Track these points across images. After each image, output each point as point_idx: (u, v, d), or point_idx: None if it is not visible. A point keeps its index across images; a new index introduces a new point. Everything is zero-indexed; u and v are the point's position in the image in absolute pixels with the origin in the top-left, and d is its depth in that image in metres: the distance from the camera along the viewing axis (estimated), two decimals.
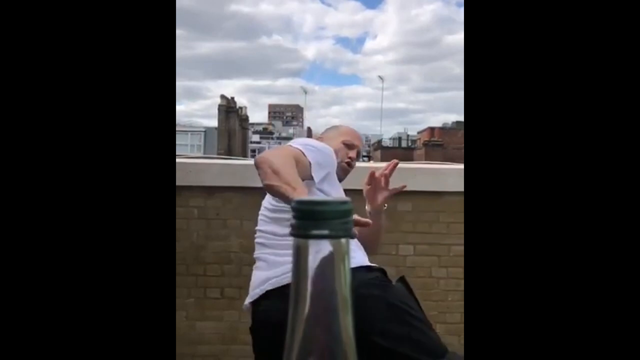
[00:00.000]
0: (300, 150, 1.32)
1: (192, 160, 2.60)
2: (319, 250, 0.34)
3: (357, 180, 1.60)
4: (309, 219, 0.33)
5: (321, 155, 1.38)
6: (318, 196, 1.34)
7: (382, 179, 1.46)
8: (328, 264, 0.34)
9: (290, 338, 0.34)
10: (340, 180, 1.55)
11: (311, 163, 1.31)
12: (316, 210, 0.33)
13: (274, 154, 1.29)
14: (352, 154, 1.58)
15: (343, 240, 0.34)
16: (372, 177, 1.46)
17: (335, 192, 1.42)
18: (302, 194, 1.13)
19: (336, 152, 1.52)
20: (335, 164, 1.46)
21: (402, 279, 1.36)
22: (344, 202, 0.34)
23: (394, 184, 1.53)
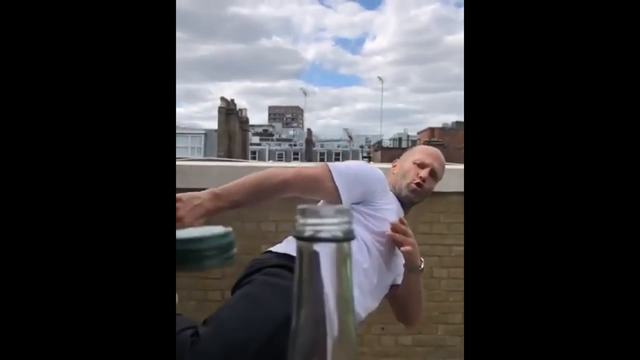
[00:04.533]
0: (330, 174, 1.30)
1: (192, 162, 2.61)
2: (321, 253, 0.34)
3: None
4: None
5: (352, 178, 1.33)
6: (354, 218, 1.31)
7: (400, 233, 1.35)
8: (330, 266, 0.34)
9: (293, 339, 0.35)
10: (414, 202, 1.48)
11: (338, 187, 1.29)
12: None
13: (287, 171, 1.29)
14: (424, 173, 1.45)
15: (345, 243, 0.34)
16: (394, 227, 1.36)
17: (376, 219, 1.35)
18: (211, 199, 1.13)
19: (406, 173, 1.46)
20: (383, 188, 1.39)
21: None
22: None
23: None
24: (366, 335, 2.43)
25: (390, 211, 1.39)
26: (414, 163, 1.47)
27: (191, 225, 1.07)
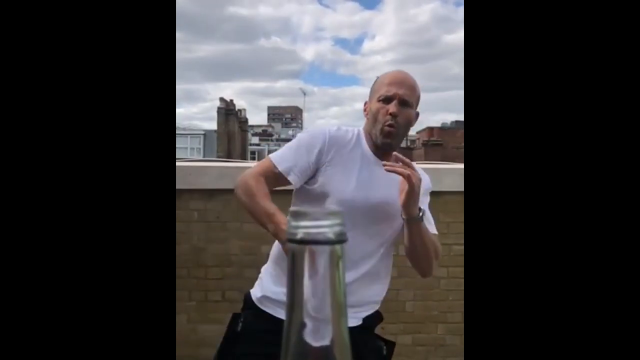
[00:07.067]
0: (272, 162, 1.24)
1: (191, 163, 2.61)
2: (314, 256, 0.34)
3: None
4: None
5: (291, 154, 1.25)
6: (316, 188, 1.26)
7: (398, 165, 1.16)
8: (323, 269, 0.34)
9: (285, 343, 0.35)
10: (392, 147, 1.27)
11: (281, 172, 1.23)
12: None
13: (244, 181, 1.24)
14: (392, 108, 1.23)
15: (337, 246, 0.34)
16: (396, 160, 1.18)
17: (336, 182, 1.23)
18: (276, 222, 1.09)
19: (375, 115, 1.26)
20: (331, 143, 1.24)
21: None
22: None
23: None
24: None
25: (338, 171, 1.25)
26: (379, 100, 1.26)
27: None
